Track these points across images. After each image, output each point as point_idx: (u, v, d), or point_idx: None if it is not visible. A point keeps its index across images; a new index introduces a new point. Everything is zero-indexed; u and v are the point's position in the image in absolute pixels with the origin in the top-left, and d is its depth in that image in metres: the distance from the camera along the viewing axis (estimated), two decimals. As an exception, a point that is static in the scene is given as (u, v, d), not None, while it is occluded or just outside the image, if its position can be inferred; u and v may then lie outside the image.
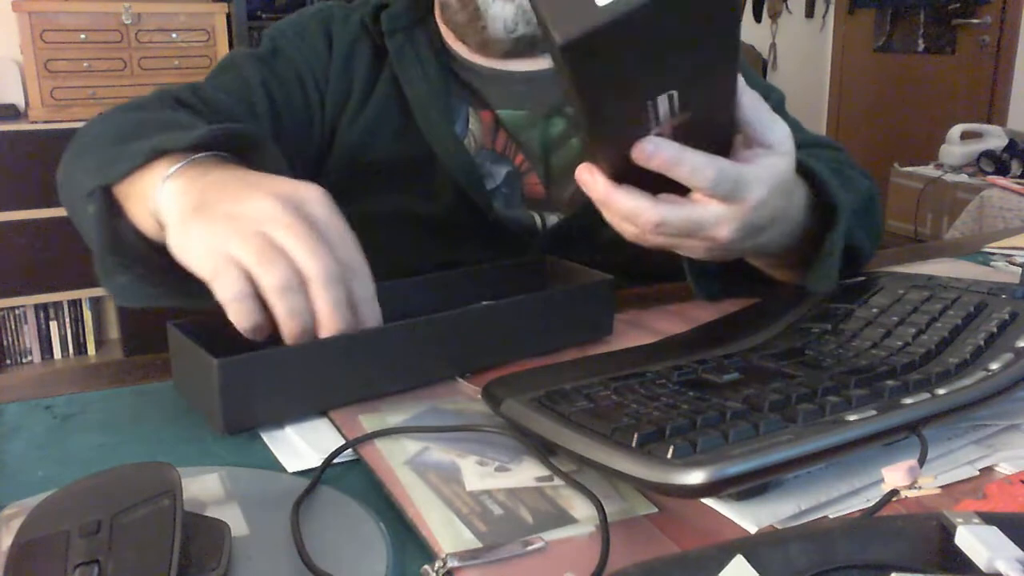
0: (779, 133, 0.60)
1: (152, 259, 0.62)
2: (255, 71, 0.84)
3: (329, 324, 0.54)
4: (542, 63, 0.90)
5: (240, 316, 0.52)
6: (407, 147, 0.86)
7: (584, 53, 0.47)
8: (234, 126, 0.63)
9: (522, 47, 0.87)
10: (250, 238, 0.52)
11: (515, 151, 0.89)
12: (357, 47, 0.88)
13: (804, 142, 0.87)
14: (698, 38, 0.51)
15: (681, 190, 0.58)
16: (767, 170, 0.59)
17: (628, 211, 0.57)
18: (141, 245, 0.62)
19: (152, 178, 0.59)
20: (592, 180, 0.57)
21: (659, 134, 0.55)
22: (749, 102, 0.58)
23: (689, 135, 0.56)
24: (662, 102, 0.53)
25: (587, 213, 0.87)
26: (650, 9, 0.47)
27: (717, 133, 0.59)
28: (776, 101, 0.94)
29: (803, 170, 0.67)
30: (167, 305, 0.63)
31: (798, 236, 0.68)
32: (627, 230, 0.60)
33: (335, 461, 0.53)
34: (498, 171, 0.89)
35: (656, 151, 0.55)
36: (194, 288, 0.61)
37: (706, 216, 0.58)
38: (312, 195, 0.55)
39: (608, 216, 0.60)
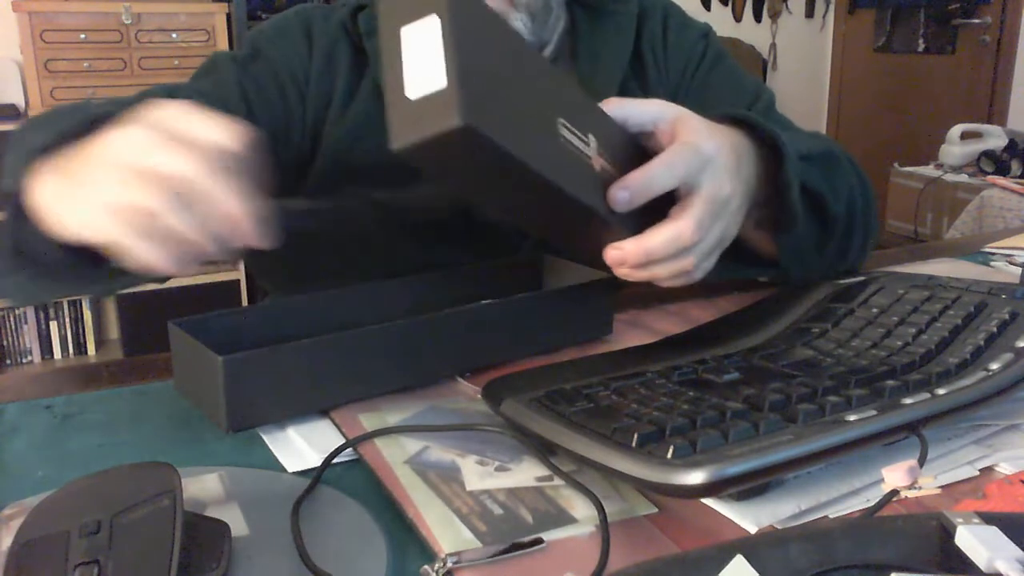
0: (652, 105, 0.61)
1: (57, 255, 0.59)
2: (232, 74, 0.84)
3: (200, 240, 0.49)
4: None
5: (152, 256, 0.48)
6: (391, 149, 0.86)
7: (486, 118, 0.46)
8: (91, 110, 0.59)
9: None
10: (114, 186, 0.48)
11: None
12: (337, 48, 0.87)
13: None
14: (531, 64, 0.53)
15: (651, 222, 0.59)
16: (694, 128, 0.60)
17: (670, 240, 0.57)
18: (45, 244, 0.59)
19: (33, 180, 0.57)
20: (621, 249, 0.58)
21: (601, 174, 0.56)
22: (607, 105, 0.60)
23: (616, 161, 0.57)
24: (569, 132, 0.53)
25: None
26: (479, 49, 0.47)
27: (627, 146, 0.60)
28: (767, 100, 0.94)
29: (739, 120, 0.69)
30: (63, 296, 0.62)
31: (759, 168, 0.68)
32: (681, 267, 0.59)
33: (335, 461, 0.53)
34: None
35: (629, 188, 0.56)
36: (96, 275, 0.59)
37: (711, 186, 0.59)
38: (158, 115, 0.50)
39: (657, 271, 0.59)
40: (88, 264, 0.58)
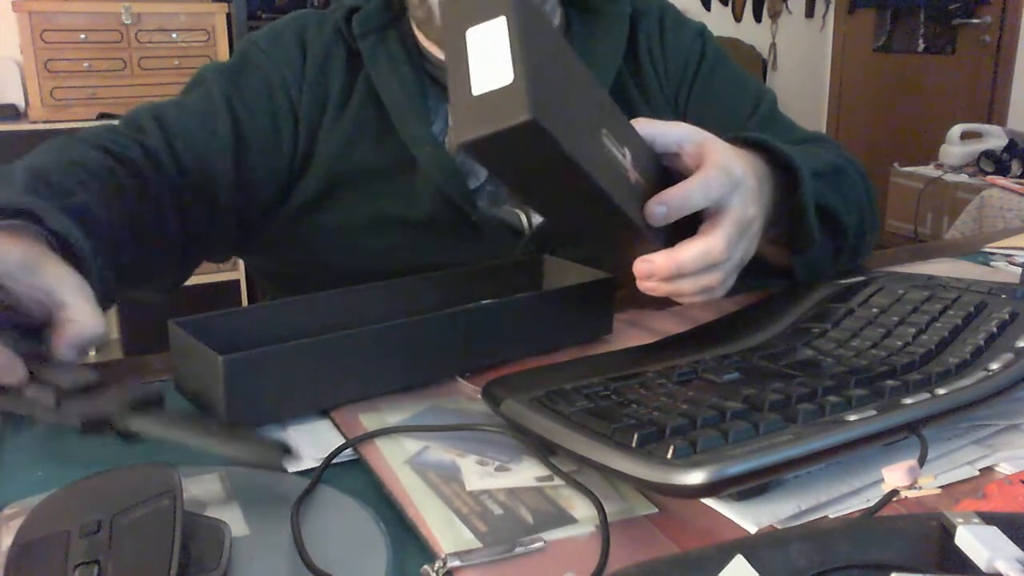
0: (679, 128, 0.63)
1: None
2: (220, 88, 0.84)
3: None
4: None
5: None
6: (387, 150, 0.86)
7: (549, 116, 0.47)
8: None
9: None
10: None
11: None
12: (332, 53, 0.88)
13: (796, 140, 0.88)
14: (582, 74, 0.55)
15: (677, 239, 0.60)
16: (721, 151, 0.61)
17: (700, 255, 0.59)
18: None
19: None
20: (651, 262, 0.59)
21: (636, 186, 0.57)
22: (637, 124, 0.62)
23: (645, 176, 0.59)
24: (610, 142, 0.55)
25: None
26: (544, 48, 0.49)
27: (653, 164, 0.62)
28: (770, 102, 0.94)
29: (755, 143, 0.70)
30: None
31: (776, 191, 0.70)
32: (707, 283, 0.61)
33: (335, 461, 0.53)
34: (481, 168, 0.89)
35: (666, 204, 0.58)
36: None
37: (739, 208, 0.60)
38: None
39: (683, 285, 0.60)
40: None
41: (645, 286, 0.61)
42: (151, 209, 0.74)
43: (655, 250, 0.59)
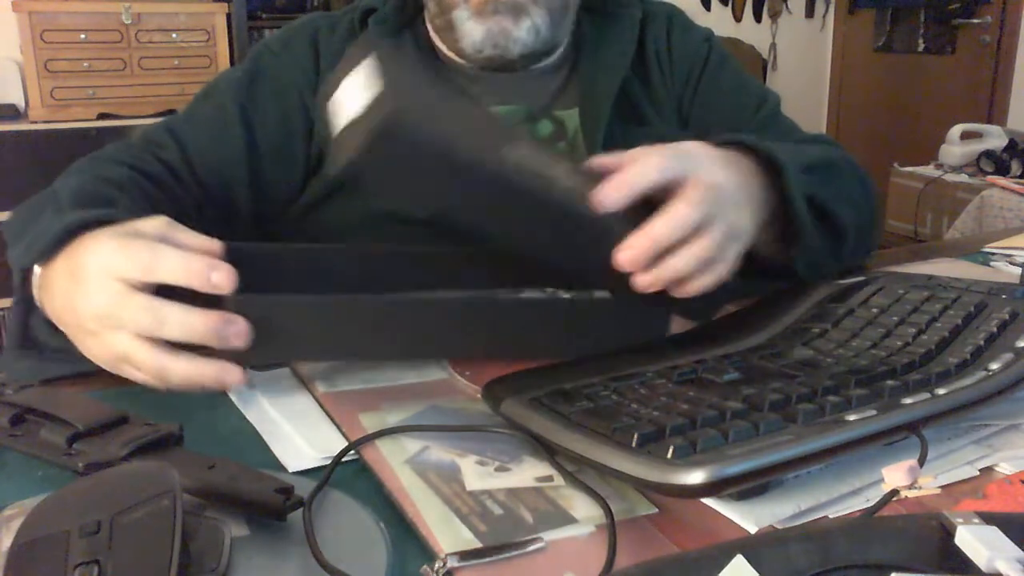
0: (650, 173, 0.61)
1: (67, 345, 0.61)
2: (232, 97, 0.85)
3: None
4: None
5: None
6: None
7: (414, 112, 0.53)
8: (83, 218, 0.61)
9: (493, 66, 0.89)
10: (112, 363, 0.57)
11: None
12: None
13: (797, 142, 0.88)
14: None
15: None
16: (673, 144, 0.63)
17: (668, 220, 0.58)
18: (55, 338, 0.62)
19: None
20: (629, 246, 0.58)
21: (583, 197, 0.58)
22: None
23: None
24: (528, 152, 0.57)
25: None
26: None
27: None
28: (773, 104, 0.95)
29: (738, 144, 0.70)
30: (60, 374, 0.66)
31: (767, 189, 0.69)
32: (699, 251, 0.59)
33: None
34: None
35: (614, 184, 0.57)
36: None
37: (701, 174, 0.60)
38: (121, 275, 0.55)
39: (674, 262, 0.59)
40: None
41: (642, 281, 0.59)
42: (178, 218, 0.75)
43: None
